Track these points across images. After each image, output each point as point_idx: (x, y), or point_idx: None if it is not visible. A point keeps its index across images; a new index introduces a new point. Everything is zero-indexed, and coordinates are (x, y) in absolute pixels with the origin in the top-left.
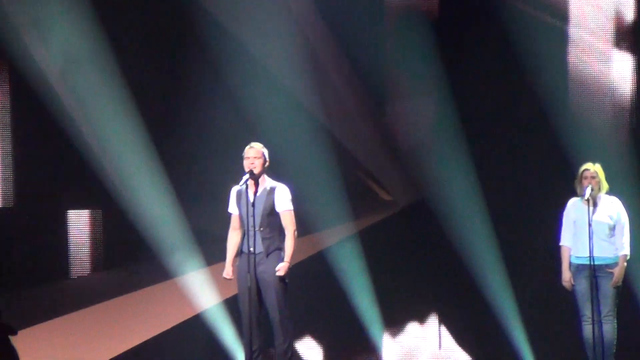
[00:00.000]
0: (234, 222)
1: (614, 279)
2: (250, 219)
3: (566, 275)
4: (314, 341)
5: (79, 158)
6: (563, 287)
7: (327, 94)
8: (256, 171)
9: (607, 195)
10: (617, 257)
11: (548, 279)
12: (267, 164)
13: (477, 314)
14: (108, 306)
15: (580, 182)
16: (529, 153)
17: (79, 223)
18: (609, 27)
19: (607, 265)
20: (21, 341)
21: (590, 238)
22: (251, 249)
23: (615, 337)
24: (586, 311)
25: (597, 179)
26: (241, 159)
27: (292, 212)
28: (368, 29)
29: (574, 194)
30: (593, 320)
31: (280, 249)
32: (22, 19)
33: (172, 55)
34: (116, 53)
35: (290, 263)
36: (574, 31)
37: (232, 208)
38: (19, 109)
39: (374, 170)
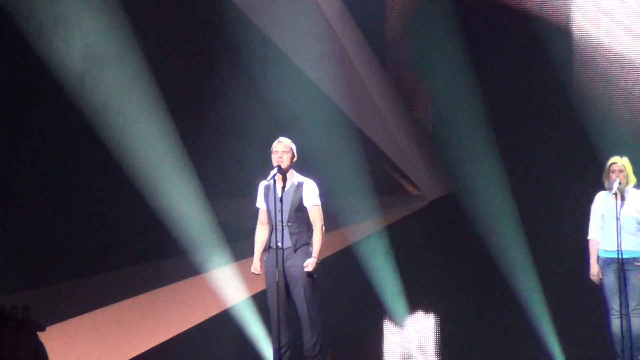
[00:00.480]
0: (262, 217)
1: None
2: (278, 214)
3: (594, 269)
4: (341, 336)
5: (108, 155)
6: (591, 281)
7: (354, 89)
8: (284, 166)
9: (635, 189)
10: None
11: (576, 272)
12: (295, 158)
13: (506, 308)
14: (135, 302)
15: (608, 175)
16: (557, 147)
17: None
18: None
19: (635, 259)
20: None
21: (618, 232)
22: (279, 244)
23: None
24: (614, 305)
25: (624, 173)
26: (269, 153)
27: (320, 207)
28: (396, 25)
29: (601, 187)
30: (621, 314)
31: (308, 244)
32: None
33: (203, 53)
34: (147, 51)
35: (318, 258)
36: (603, 24)
37: (260, 203)
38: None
39: (401, 164)
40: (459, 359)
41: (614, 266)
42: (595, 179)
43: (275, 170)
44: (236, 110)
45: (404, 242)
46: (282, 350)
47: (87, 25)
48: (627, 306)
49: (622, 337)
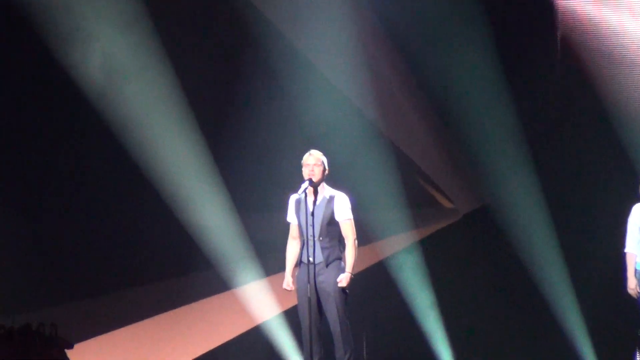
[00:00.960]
0: (293, 232)
1: None
2: (310, 229)
3: (632, 283)
4: (374, 353)
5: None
6: (629, 295)
7: (387, 102)
8: (315, 179)
9: None
10: None
11: (613, 286)
12: (327, 172)
13: (542, 322)
14: (165, 318)
15: None
16: (593, 158)
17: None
18: None
19: None
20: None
21: None
22: (310, 259)
23: None
24: None
25: None
26: (300, 166)
27: (352, 221)
28: (427, 36)
29: (638, 199)
30: None
31: (340, 258)
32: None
33: (231, 65)
34: (173, 62)
35: (352, 273)
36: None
37: (291, 217)
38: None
39: (435, 177)
40: None
41: None
42: (632, 191)
43: (306, 184)
44: (267, 123)
45: (437, 255)
46: None
47: (108, 36)
48: None
49: None
